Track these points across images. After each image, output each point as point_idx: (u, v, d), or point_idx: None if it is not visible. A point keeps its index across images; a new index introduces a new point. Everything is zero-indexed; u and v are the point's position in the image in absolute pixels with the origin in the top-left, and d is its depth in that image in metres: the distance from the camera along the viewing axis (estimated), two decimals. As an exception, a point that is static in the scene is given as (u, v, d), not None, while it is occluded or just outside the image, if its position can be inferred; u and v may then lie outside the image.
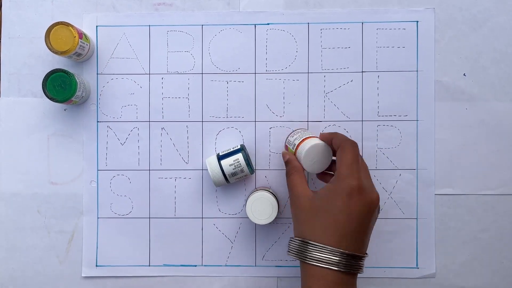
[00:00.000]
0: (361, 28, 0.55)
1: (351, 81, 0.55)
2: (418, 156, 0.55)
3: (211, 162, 0.52)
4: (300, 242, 0.44)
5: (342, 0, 0.55)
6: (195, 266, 0.56)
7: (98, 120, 0.56)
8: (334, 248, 0.42)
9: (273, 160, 0.55)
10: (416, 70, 0.55)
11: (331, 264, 0.41)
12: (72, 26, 0.51)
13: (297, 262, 0.55)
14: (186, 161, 0.56)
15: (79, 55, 0.53)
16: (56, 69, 0.51)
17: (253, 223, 0.54)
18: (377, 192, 0.44)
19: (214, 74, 0.56)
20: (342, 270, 0.41)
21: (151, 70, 0.56)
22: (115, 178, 0.56)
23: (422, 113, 0.55)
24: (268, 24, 0.56)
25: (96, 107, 0.56)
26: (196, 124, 0.56)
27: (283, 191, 0.56)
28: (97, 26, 0.56)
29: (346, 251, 0.42)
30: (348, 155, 0.43)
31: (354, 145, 0.44)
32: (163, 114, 0.56)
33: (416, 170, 0.55)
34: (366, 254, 0.44)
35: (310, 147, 0.47)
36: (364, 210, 0.42)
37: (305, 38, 0.55)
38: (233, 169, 0.51)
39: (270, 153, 0.56)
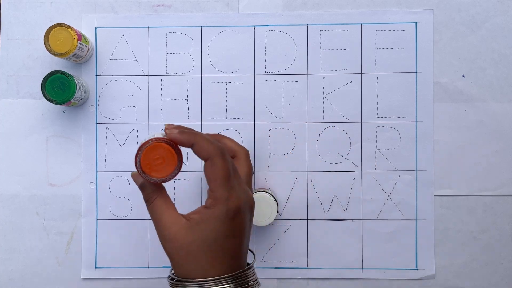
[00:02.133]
0: (360, 29, 0.55)
1: (350, 82, 0.55)
2: (417, 157, 0.55)
3: None
4: (187, 283, 0.37)
5: (341, 1, 0.55)
6: (195, 267, 0.56)
7: (97, 122, 0.56)
8: (226, 276, 0.37)
9: (272, 162, 0.55)
10: (415, 71, 0.55)
11: None
12: (71, 27, 0.51)
13: (298, 263, 0.55)
14: (185, 162, 0.56)
15: (78, 56, 0.53)
16: (55, 70, 0.51)
17: (253, 224, 0.54)
18: (251, 193, 0.41)
19: (213, 76, 0.56)
20: None
21: (150, 71, 0.56)
22: (114, 180, 0.56)
23: (421, 114, 0.55)
24: (267, 25, 0.56)
25: (95, 109, 0.56)
26: (195, 126, 0.56)
27: (283, 192, 0.55)
28: (96, 28, 0.56)
29: (239, 272, 0.38)
30: (219, 171, 0.37)
31: (223, 154, 0.38)
32: (162, 116, 0.56)
33: (415, 171, 0.55)
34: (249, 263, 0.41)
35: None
36: (246, 221, 0.39)
37: (304, 39, 0.55)
38: None
39: (270, 154, 0.55)
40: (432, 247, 0.55)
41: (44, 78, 0.51)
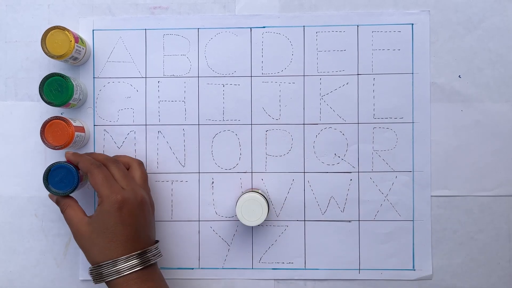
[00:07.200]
0: (356, 30, 0.55)
1: (347, 83, 0.55)
2: (414, 158, 0.55)
3: None
4: (96, 268, 0.46)
5: (337, 2, 0.56)
6: (192, 269, 0.56)
7: (95, 124, 0.56)
8: (126, 256, 0.46)
9: (269, 163, 0.56)
10: (411, 72, 0.55)
11: (131, 268, 0.45)
12: (68, 30, 0.51)
13: (295, 264, 0.56)
14: (183, 164, 0.56)
15: (75, 59, 0.53)
16: (53, 73, 0.52)
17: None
18: (140, 191, 0.48)
19: (210, 77, 0.56)
20: (143, 266, 0.46)
21: (147, 73, 0.56)
22: (112, 182, 0.56)
23: (418, 115, 0.55)
24: (264, 27, 0.56)
25: (92, 111, 0.56)
26: (192, 128, 0.56)
27: (280, 193, 0.56)
28: (93, 30, 0.56)
29: (138, 251, 0.46)
30: (97, 178, 0.47)
31: (98, 166, 0.48)
32: (159, 118, 0.56)
33: (412, 172, 0.55)
34: (157, 240, 0.50)
35: None
36: (137, 212, 0.47)
37: (301, 41, 0.56)
38: None
39: (267, 155, 0.56)
40: (429, 248, 0.55)
41: (42, 81, 0.51)
